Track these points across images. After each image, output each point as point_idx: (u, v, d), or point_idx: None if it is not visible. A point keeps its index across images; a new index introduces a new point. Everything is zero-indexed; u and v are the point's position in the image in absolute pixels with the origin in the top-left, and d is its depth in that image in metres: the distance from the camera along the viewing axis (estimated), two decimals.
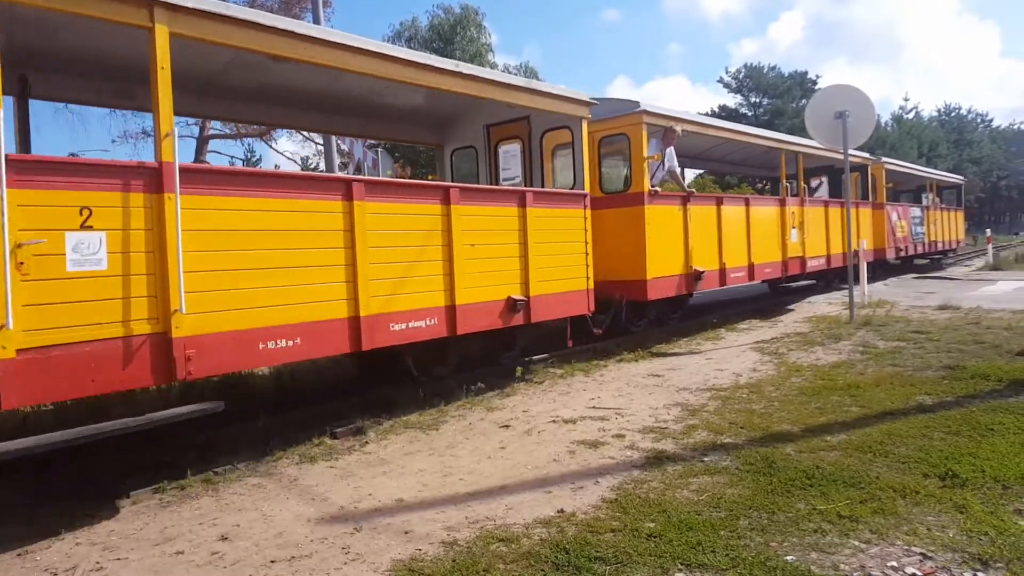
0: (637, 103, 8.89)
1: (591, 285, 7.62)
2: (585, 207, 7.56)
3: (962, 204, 25.73)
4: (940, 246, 22.18)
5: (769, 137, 12.57)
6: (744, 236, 10.77)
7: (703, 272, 9.57)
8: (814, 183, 16.00)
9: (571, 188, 7.74)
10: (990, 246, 24.21)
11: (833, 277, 15.06)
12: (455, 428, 5.50)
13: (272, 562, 3.22)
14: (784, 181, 12.49)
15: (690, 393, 6.24)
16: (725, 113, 51.03)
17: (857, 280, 11.16)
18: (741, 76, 52.07)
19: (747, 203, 10.98)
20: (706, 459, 4.35)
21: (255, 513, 3.86)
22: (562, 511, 3.66)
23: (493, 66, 31.73)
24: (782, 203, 11.97)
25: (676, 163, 9.28)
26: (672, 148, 9.24)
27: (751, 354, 8.10)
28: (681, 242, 9.36)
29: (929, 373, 6.40)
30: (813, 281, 14.90)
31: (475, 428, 5.46)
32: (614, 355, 8.40)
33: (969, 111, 67.53)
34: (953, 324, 9.10)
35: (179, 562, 3.27)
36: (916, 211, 19.36)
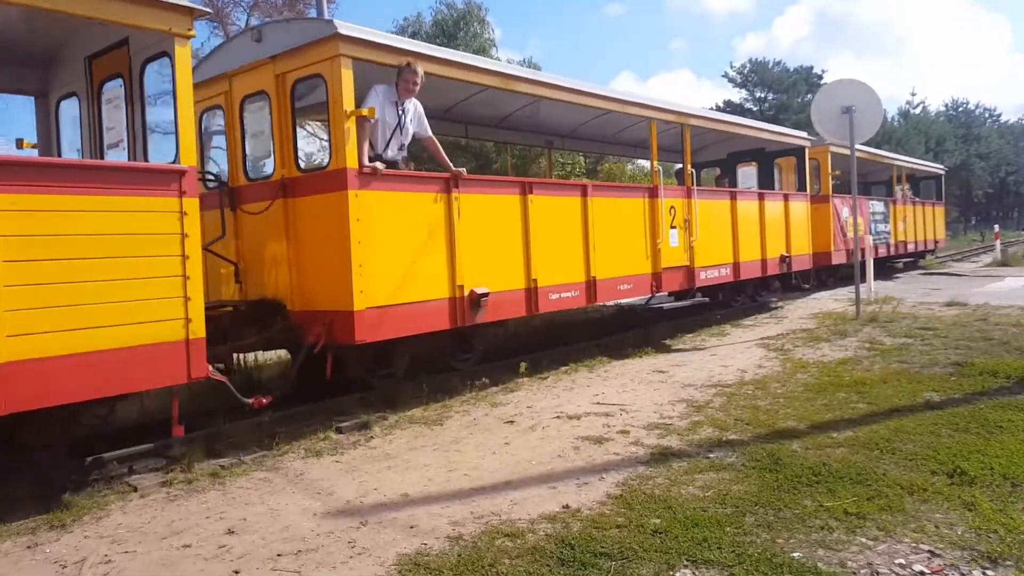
0: (331, 22, 5.52)
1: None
2: (177, 193, 4.27)
3: (942, 197, 22.34)
4: (913, 247, 18.88)
5: (627, 101, 8.63)
6: (578, 240, 7.59)
7: (485, 295, 6.31)
8: (744, 171, 13.63)
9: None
10: (998, 242, 24.07)
11: (753, 290, 12.25)
12: (459, 423, 5.51)
13: (279, 556, 3.23)
14: (689, 167, 9.88)
15: (695, 389, 6.23)
16: (730, 108, 50.85)
17: (863, 276, 11.12)
18: (746, 71, 51.87)
19: (584, 193, 7.77)
20: (711, 455, 4.35)
21: (262, 507, 3.87)
22: (567, 507, 3.66)
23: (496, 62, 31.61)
24: (652, 194, 8.83)
25: (426, 124, 6.33)
26: (415, 101, 6.17)
27: (756, 350, 8.08)
28: (443, 248, 6.09)
29: (937, 370, 6.37)
30: (706, 299, 11.25)
31: (479, 424, 5.47)
32: (619, 351, 8.39)
33: (977, 106, 67.11)
34: (961, 320, 9.06)
35: (186, 555, 3.29)
36: (877, 206, 16.39)
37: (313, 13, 12.65)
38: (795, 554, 2.97)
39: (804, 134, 12.91)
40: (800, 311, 11.53)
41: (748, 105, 51.14)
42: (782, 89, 49.89)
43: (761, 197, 11.30)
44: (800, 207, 12.36)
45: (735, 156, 13.30)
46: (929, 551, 2.97)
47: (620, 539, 3.18)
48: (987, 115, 67.99)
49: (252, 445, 4.98)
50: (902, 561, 2.91)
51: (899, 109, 56.12)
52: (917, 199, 19.97)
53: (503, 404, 6.07)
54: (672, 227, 9.09)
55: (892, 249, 17.15)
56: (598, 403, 5.91)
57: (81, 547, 3.43)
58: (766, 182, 12.99)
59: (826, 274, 15.18)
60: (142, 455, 4.67)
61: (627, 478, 4.04)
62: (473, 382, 6.61)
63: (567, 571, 2.92)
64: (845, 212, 14.28)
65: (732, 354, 7.92)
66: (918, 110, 57.20)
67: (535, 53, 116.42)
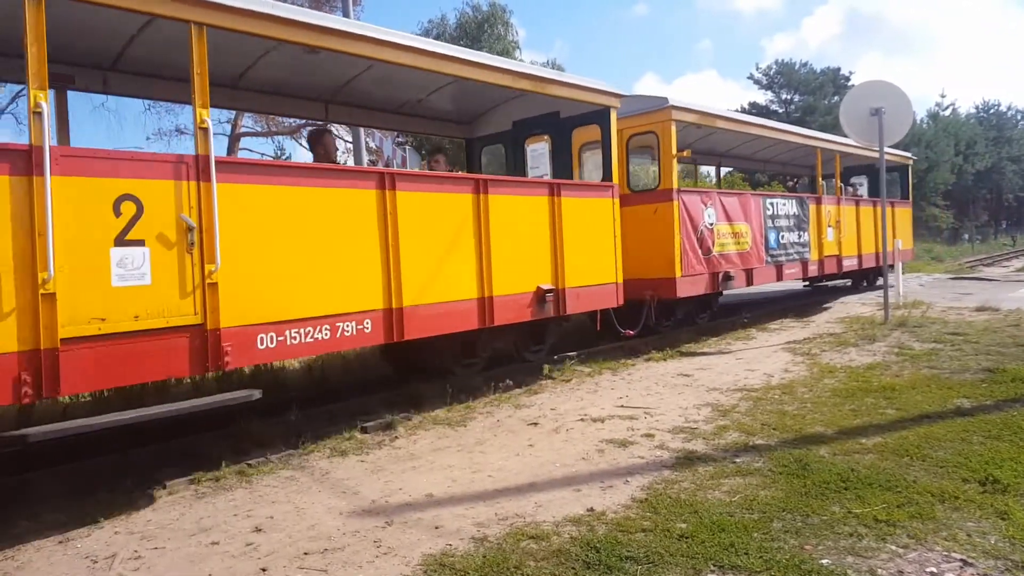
0: (665, 99, 8.94)
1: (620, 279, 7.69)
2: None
3: (909, 195, 16.72)
4: (855, 263, 13.31)
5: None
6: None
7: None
8: (534, 149, 8.94)
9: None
10: None
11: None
12: (483, 425, 5.52)
13: (305, 554, 3.26)
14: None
15: (720, 393, 6.17)
16: (755, 110, 50.36)
17: (891, 280, 10.94)
18: (772, 72, 51.32)
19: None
20: (738, 460, 4.30)
21: (288, 505, 3.91)
22: (592, 509, 3.64)
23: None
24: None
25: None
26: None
27: (783, 354, 7.99)
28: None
29: (967, 376, 6.25)
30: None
31: (503, 425, 5.47)
32: (642, 354, 8.35)
33: (1009, 108, 65.73)
34: (992, 326, 8.87)
35: (214, 552, 3.33)
36: (784, 205, 11.10)
37: (339, 14, 12.78)
38: (824, 561, 2.93)
39: (609, 87, 7.83)
40: (827, 315, 11.37)
41: (774, 107, 50.60)
42: (809, 91, 49.27)
43: (480, 190, 6.34)
44: (601, 206, 7.62)
45: (522, 126, 8.62)
46: (961, 560, 2.92)
47: (646, 543, 3.16)
48: (1019, 117, 66.56)
49: (279, 443, 5.03)
50: (933, 570, 2.86)
51: (928, 111, 55.16)
52: (863, 197, 14.62)
53: (526, 406, 6.06)
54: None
55: (817, 268, 12.00)
56: (622, 406, 5.89)
57: (112, 542, 3.50)
58: (563, 168, 8.38)
59: (687, 310, 10.01)
60: (171, 452, 4.75)
61: (652, 482, 4.02)
62: (496, 383, 6.62)
63: (592, 574, 2.91)
64: (709, 215, 9.26)
65: (758, 358, 7.84)
66: (948, 112, 56.21)
67: (559, 55, 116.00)
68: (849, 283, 15.83)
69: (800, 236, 11.51)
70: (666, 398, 6.12)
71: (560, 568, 2.97)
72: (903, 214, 15.95)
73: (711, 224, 9.42)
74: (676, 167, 8.92)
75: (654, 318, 9.06)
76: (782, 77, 50.75)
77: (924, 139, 44.73)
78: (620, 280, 7.80)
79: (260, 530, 3.58)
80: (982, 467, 3.92)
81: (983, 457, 4.08)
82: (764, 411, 5.45)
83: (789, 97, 50.83)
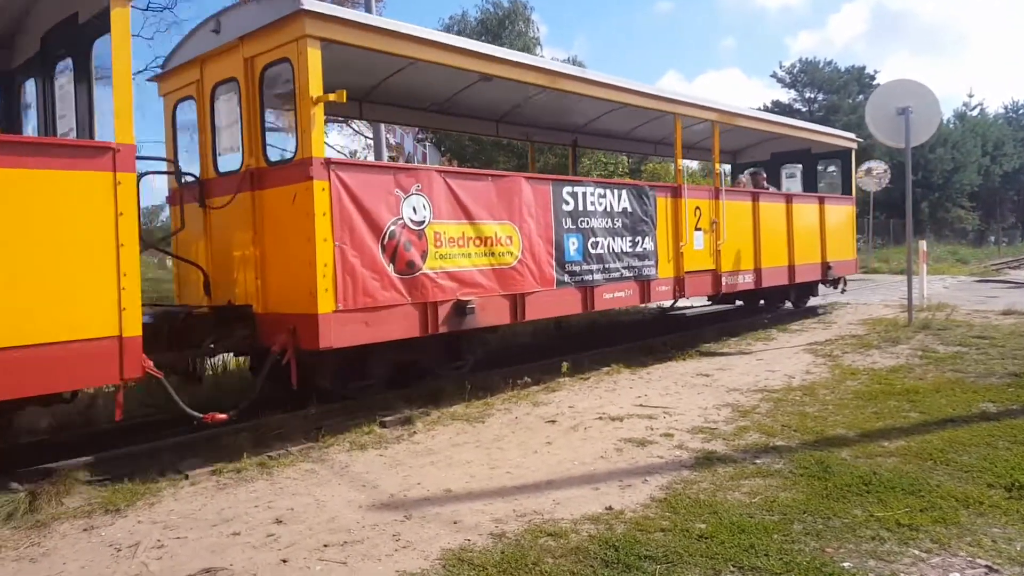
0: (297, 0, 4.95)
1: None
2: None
3: (852, 189, 12.28)
4: (751, 281, 9.56)
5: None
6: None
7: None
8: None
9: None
10: None
11: None
12: (501, 421, 5.52)
13: (325, 546, 3.29)
14: None
15: (740, 394, 6.13)
16: (778, 109, 49.86)
17: (916, 284, 10.78)
18: (795, 71, 50.75)
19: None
20: (758, 461, 4.27)
21: (308, 498, 3.95)
22: (610, 508, 3.64)
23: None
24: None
25: None
26: None
27: (804, 356, 7.91)
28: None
29: (993, 380, 6.14)
30: None
31: (521, 422, 5.47)
32: (661, 353, 8.31)
33: None
34: (1019, 330, 8.72)
35: (236, 543, 3.37)
36: (608, 198, 7.51)
37: (362, 10, 12.83)
38: (845, 564, 2.90)
39: None
40: (849, 316, 11.24)
41: (797, 106, 50.05)
42: (833, 89, 48.65)
43: None
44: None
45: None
46: (987, 566, 2.87)
47: (665, 543, 3.15)
48: None
49: (299, 437, 5.07)
50: (957, 575, 2.82)
51: (955, 111, 54.23)
52: (773, 191, 11.01)
53: (544, 403, 6.06)
54: None
55: (671, 291, 8.26)
56: (641, 405, 5.87)
57: (135, 531, 3.55)
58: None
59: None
60: (193, 443, 4.81)
61: (671, 481, 4.00)
62: (515, 380, 6.62)
63: (611, 573, 2.90)
64: (412, 207, 5.65)
65: (779, 359, 7.77)
66: (975, 112, 55.24)
67: (580, 51, 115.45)
68: (740, 304, 12.07)
69: (636, 243, 7.69)
70: (685, 398, 6.09)
71: (578, 566, 2.97)
72: (842, 213, 11.81)
73: (421, 222, 5.64)
74: (322, 120, 5.17)
75: (294, 381, 5.15)
76: (806, 76, 50.18)
77: (951, 139, 43.99)
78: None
79: (281, 522, 3.61)
80: (1008, 472, 3.85)
81: (1009, 462, 4.01)
82: (785, 412, 5.40)
83: (813, 96, 50.26)
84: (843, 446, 4.48)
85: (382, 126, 13.03)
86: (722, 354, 8.32)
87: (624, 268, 7.59)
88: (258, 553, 3.25)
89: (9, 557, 3.27)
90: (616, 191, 7.61)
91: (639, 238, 7.76)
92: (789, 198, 10.65)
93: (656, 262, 7.95)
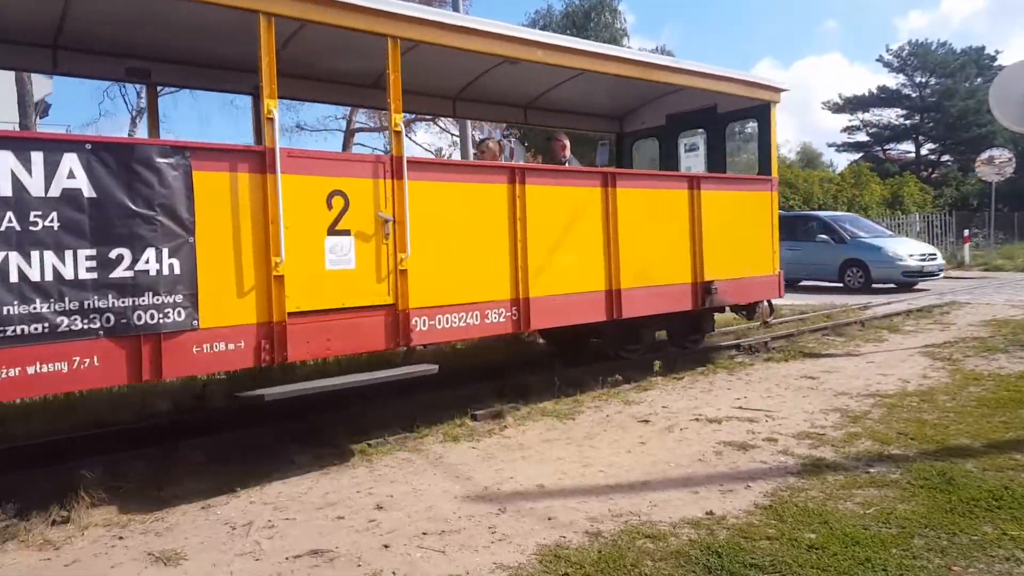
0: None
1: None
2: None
3: (772, 166, 7.58)
4: (521, 319, 5.49)
5: None
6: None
7: None
8: None
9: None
10: None
11: None
12: (592, 419, 5.46)
13: (424, 534, 3.35)
14: None
15: (850, 398, 5.79)
16: (884, 95, 46.91)
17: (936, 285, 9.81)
18: (904, 54, 47.49)
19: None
20: (871, 470, 4.02)
21: (406, 486, 4.03)
22: (711, 513, 3.52)
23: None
24: None
25: None
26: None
27: (919, 359, 7.40)
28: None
29: None
30: None
31: (613, 420, 5.39)
32: (760, 353, 7.99)
33: None
34: None
35: (341, 526, 3.49)
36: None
37: (449, 8, 12.91)
38: None
39: None
40: (969, 317, 10.43)
41: (906, 91, 46.89)
42: (947, 73, 45.26)
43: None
44: None
45: None
46: None
47: (772, 551, 3.01)
48: None
49: (395, 426, 5.20)
50: None
51: None
52: (570, 164, 7.11)
53: (636, 402, 5.95)
54: None
55: (241, 351, 4.13)
56: (740, 407, 5.65)
57: (248, 511, 3.73)
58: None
59: None
60: (297, 431, 5.02)
61: (776, 488, 3.83)
62: (605, 378, 6.53)
63: None
64: None
65: (891, 362, 7.30)
66: None
67: (669, 41, 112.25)
68: None
69: (118, 262, 3.73)
70: (789, 401, 5.82)
71: (680, 570, 2.88)
72: (749, 205, 7.47)
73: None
74: None
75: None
76: (916, 58, 46.87)
77: None
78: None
79: (381, 508, 3.71)
80: None
81: None
82: (900, 419, 5.06)
83: (924, 80, 46.94)
84: (968, 457, 4.15)
85: (468, 123, 13.11)
86: (828, 355, 7.90)
87: (68, 312, 3.56)
88: (361, 537, 3.35)
89: (137, 531, 3.51)
90: (46, 154, 3.54)
91: (124, 251, 3.74)
92: (608, 179, 6.18)
93: (189, 297, 3.95)
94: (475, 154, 6.92)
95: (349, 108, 23.43)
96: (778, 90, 7.62)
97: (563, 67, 6.04)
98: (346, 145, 27.16)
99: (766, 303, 7.87)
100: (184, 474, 4.26)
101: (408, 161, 4.87)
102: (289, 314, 4.26)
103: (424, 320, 4.94)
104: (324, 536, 3.38)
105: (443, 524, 3.47)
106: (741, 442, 4.69)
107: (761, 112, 7.66)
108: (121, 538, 3.42)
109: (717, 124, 8.13)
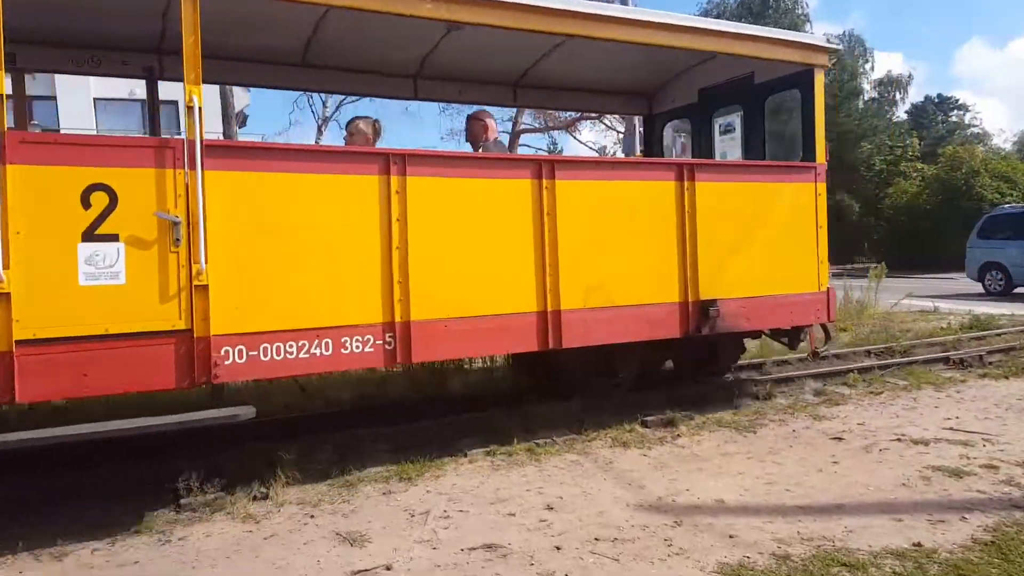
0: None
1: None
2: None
3: (815, 148, 5.80)
4: (400, 351, 4.24)
5: None
6: None
7: None
8: None
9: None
10: None
11: None
12: (776, 433, 5.08)
13: (596, 540, 3.27)
14: None
15: None
16: None
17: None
18: None
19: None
20: None
21: (575, 489, 3.98)
22: (919, 545, 3.11)
23: None
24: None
25: None
26: None
27: None
28: None
29: None
30: None
31: (800, 436, 4.97)
32: (973, 369, 7.03)
33: None
34: None
35: (512, 523, 3.50)
36: None
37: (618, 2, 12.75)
38: None
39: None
40: None
41: None
42: None
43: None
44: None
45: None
46: None
47: None
48: None
49: (562, 427, 5.17)
50: None
51: None
52: (486, 151, 5.47)
53: (827, 418, 5.45)
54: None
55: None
56: (951, 428, 4.99)
57: (425, 500, 3.87)
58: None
59: None
60: (468, 423, 5.16)
61: (999, 522, 3.31)
62: (789, 390, 6.06)
63: None
64: None
65: None
66: None
67: (857, 24, 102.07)
68: None
69: None
70: (1011, 424, 5.04)
71: None
72: (785, 198, 5.77)
73: None
74: None
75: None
76: None
77: None
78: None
79: (551, 508, 3.68)
80: None
81: None
82: None
83: None
84: None
85: (636, 119, 12.80)
86: None
87: None
88: (532, 536, 3.34)
89: (326, 511, 3.77)
90: None
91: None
92: (544, 169, 4.76)
93: None
94: (344, 136, 5.33)
95: (515, 110, 23.72)
96: (823, 50, 5.85)
97: (560, 34, 4.91)
98: (512, 147, 27.64)
99: (818, 328, 6.10)
100: (368, 459, 4.50)
101: (208, 146, 3.70)
102: (18, 343, 3.24)
103: (240, 350, 3.74)
104: (497, 531, 3.41)
105: (615, 531, 3.37)
106: (953, 468, 4.12)
107: (804, 80, 5.86)
108: (312, 516, 3.68)
109: (754, 98, 6.47)
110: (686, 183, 5.25)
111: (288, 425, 5.11)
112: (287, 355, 3.88)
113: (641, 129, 8.62)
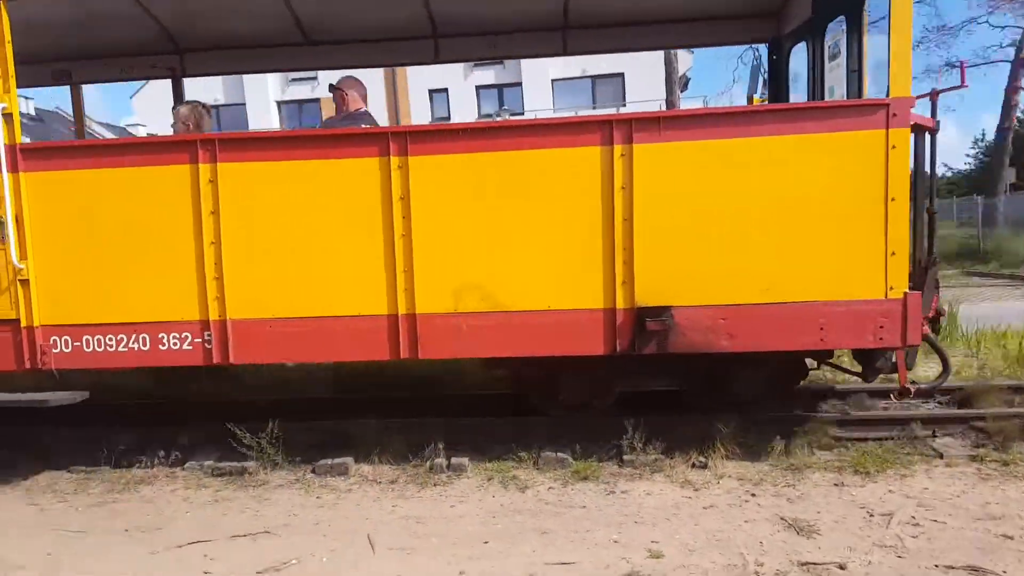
0: None
1: None
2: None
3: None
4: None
5: None
6: None
7: None
8: None
9: None
10: None
11: None
12: None
13: None
14: None
15: None
16: None
17: None
18: None
19: None
20: None
21: None
22: None
23: None
24: None
25: None
26: None
27: None
28: None
29: None
30: None
31: None
32: None
33: None
34: None
35: (1006, 547, 2.79)
36: None
37: None
38: None
39: None
40: None
41: None
42: None
43: None
44: None
45: None
46: None
47: None
48: None
49: None
50: None
51: None
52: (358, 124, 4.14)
53: None
54: None
55: None
56: None
57: (886, 500, 3.35)
58: None
59: None
60: (949, 420, 4.30)
61: None
62: None
63: None
64: None
65: None
66: None
67: None
68: None
69: None
70: None
71: None
72: (813, 158, 3.32)
73: None
74: None
75: None
76: None
77: None
78: None
79: None
80: None
81: None
82: None
83: None
84: None
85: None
86: None
87: None
88: None
89: (769, 492, 3.55)
90: None
91: None
92: (393, 144, 3.80)
93: None
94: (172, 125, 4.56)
95: None
96: None
97: None
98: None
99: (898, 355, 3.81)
100: (817, 445, 4.08)
101: (23, 149, 3.91)
102: None
103: (66, 340, 4.00)
104: (985, 554, 2.75)
105: None
106: None
107: None
108: (753, 495, 3.51)
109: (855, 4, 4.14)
110: (616, 147, 3.71)
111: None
112: (107, 348, 4.05)
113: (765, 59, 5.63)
